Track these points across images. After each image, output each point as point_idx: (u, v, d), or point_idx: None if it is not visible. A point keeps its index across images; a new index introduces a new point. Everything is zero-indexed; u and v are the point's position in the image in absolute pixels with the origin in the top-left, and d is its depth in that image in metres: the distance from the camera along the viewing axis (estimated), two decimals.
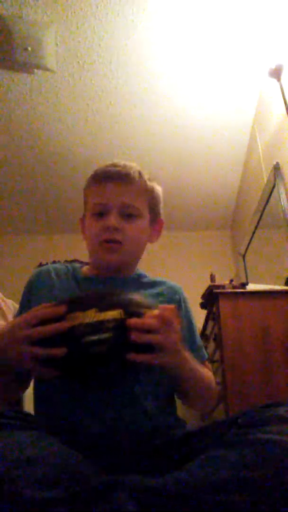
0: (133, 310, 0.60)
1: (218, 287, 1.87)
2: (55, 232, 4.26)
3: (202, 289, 1.98)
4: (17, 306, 1.78)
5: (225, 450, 0.53)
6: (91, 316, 0.57)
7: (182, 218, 3.88)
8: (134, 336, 0.58)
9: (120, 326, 0.57)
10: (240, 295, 1.83)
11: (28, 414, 0.67)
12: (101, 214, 0.83)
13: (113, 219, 0.80)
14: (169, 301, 0.86)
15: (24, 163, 3.22)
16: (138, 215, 0.84)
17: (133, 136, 2.98)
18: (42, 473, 0.47)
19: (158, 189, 0.91)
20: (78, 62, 2.40)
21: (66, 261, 4.10)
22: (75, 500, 0.45)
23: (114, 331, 0.57)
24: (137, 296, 0.65)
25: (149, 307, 0.63)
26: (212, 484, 0.48)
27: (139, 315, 0.60)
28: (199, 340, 0.91)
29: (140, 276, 0.92)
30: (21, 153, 3.11)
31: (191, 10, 2.09)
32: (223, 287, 1.88)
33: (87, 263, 0.95)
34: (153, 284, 0.91)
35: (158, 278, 0.95)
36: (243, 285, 1.95)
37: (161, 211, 0.92)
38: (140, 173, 0.86)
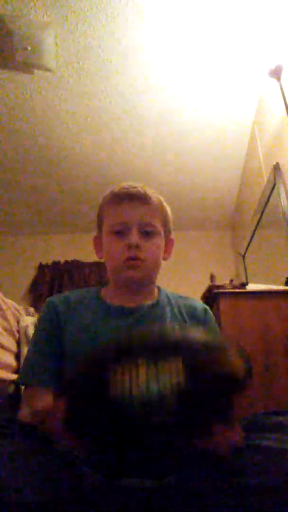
0: (194, 361, 0.45)
1: (218, 287, 1.87)
2: (55, 232, 4.27)
3: (202, 289, 1.99)
4: (17, 306, 1.78)
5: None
6: (142, 376, 0.43)
7: (182, 218, 3.89)
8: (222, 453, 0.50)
9: (184, 393, 0.44)
10: (240, 295, 1.82)
11: (19, 422, 0.66)
12: (120, 232, 0.85)
13: (135, 238, 0.83)
14: (190, 323, 0.86)
15: (23, 163, 3.22)
16: (155, 233, 0.87)
17: (133, 137, 2.98)
18: (40, 479, 0.47)
19: (169, 209, 0.95)
20: (78, 62, 2.40)
21: (66, 261, 4.10)
22: (73, 501, 0.45)
23: (176, 404, 0.44)
24: (190, 337, 0.49)
25: (211, 351, 0.48)
26: (211, 488, 0.48)
27: (202, 370, 0.46)
28: None
29: (167, 298, 0.92)
30: (21, 153, 3.11)
31: (191, 10, 2.09)
32: (223, 287, 1.88)
33: (102, 285, 0.95)
34: (177, 303, 0.91)
35: (181, 297, 0.95)
36: (243, 285, 1.94)
37: (172, 231, 0.96)
38: (156, 195, 0.91)
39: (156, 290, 0.94)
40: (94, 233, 0.96)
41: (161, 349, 0.45)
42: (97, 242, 0.94)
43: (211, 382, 0.45)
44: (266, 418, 0.58)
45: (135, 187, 0.88)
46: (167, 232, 0.94)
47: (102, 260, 0.93)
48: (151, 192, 0.90)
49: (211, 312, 0.93)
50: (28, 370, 0.81)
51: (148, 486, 0.49)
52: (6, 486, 0.44)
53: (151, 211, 0.87)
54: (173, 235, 0.97)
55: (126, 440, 0.47)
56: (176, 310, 0.89)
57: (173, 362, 0.44)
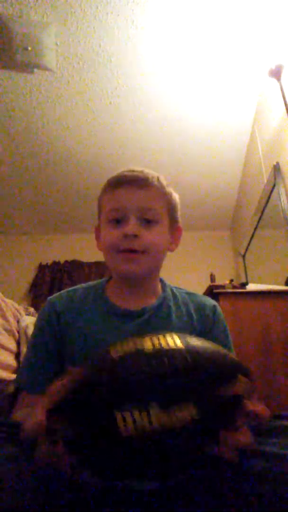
0: (210, 404, 0.46)
1: (218, 287, 1.87)
2: (54, 232, 4.27)
3: (202, 289, 1.98)
4: (17, 306, 1.78)
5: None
6: (155, 419, 0.44)
7: (182, 218, 3.86)
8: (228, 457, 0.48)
9: (195, 433, 0.46)
10: (240, 295, 1.82)
11: (17, 425, 0.65)
12: (117, 221, 0.76)
13: (132, 226, 0.74)
14: (198, 322, 0.81)
15: (23, 163, 3.22)
16: (156, 220, 0.78)
17: (133, 136, 2.98)
18: (38, 481, 0.47)
19: (176, 195, 0.86)
20: (78, 62, 2.41)
21: (66, 261, 4.10)
22: (71, 504, 0.45)
23: (187, 438, 0.45)
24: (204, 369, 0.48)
25: (226, 381, 0.49)
26: (212, 493, 0.48)
27: (222, 411, 0.47)
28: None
29: (173, 295, 0.85)
30: (21, 153, 3.11)
31: (191, 10, 2.09)
32: (223, 287, 1.88)
33: (108, 279, 0.88)
34: (184, 301, 0.85)
35: (188, 294, 0.88)
36: (243, 285, 1.94)
37: (179, 219, 0.87)
38: (158, 178, 0.81)
39: (159, 285, 0.85)
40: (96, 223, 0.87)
41: (173, 395, 0.46)
42: (98, 233, 0.85)
43: (220, 410, 0.47)
44: (271, 421, 0.57)
45: (134, 171, 0.79)
46: (174, 220, 0.83)
47: (102, 257, 0.85)
48: (152, 176, 0.79)
49: (220, 310, 0.86)
50: (26, 374, 0.77)
51: (147, 488, 0.49)
52: (4, 488, 0.44)
53: (152, 196, 0.78)
54: (181, 224, 0.87)
55: (131, 468, 0.47)
56: (183, 308, 0.83)
57: (185, 404, 0.45)
